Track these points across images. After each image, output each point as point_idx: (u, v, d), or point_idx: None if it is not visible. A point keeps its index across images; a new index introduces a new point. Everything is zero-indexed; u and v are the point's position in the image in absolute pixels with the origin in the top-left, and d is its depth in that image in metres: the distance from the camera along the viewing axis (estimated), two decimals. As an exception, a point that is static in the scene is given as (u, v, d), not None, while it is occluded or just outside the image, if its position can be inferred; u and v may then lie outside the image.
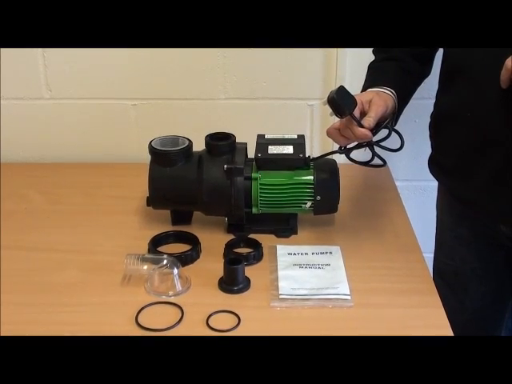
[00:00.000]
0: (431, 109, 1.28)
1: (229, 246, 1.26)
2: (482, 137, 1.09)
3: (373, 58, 1.29)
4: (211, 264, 1.22)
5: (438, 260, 1.39)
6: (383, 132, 1.17)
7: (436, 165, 1.27)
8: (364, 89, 1.22)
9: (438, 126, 1.23)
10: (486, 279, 1.31)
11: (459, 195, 1.22)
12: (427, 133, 1.29)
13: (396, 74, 1.22)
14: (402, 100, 1.21)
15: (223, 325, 1.06)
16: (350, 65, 1.59)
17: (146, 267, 1.18)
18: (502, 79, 0.97)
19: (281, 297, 1.13)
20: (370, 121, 1.10)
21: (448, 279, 1.33)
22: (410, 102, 1.61)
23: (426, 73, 1.28)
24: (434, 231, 1.40)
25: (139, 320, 1.08)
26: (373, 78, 1.23)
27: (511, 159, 1.05)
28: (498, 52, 0.98)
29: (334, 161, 1.34)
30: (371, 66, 1.27)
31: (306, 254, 1.26)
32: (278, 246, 1.28)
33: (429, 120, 1.28)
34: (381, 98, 1.15)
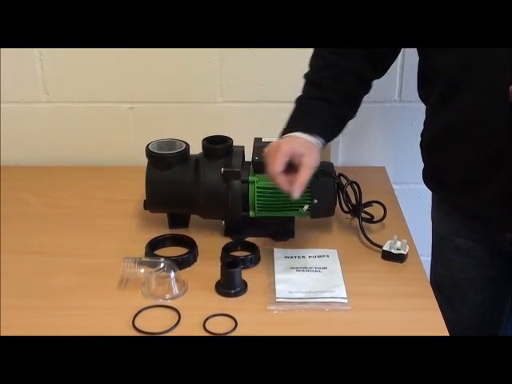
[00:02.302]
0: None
1: (226, 250, 1.26)
2: (488, 151, 1.08)
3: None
4: (208, 267, 1.22)
5: (434, 272, 1.38)
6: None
7: (434, 180, 1.26)
8: (291, 126, 1.19)
9: (436, 145, 1.22)
10: (485, 287, 1.30)
11: (464, 209, 1.21)
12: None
13: (328, 121, 1.20)
14: (325, 144, 1.20)
15: (220, 328, 1.06)
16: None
17: (142, 270, 1.18)
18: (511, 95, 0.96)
19: (278, 300, 1.13)
20: (298, 192, 1.10)
21: (445, 291, 1.32)
22: (407, 105, 1.63)
23: (351, 117, 1.26)
24: (431, 234, 1.40)
25: (136, 323, 1.08)
26: (305, 121, 1.19)
27: None
28: (497, 66, 0.99)
29: (331, 164, 1.34)
30: (303, 102, 1.23)
31: (303, 257, 1.26)
32: (275, 250, 1.28)
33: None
34: (312, 152, 1.13)
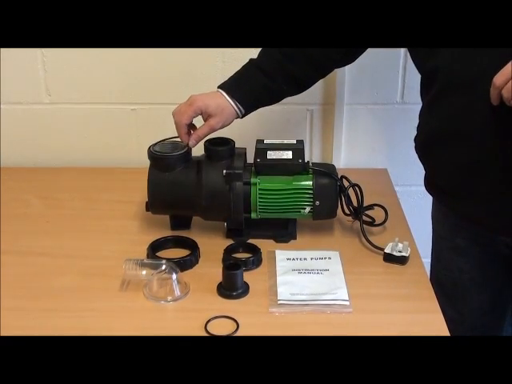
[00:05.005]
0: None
1: (228, 251, 1.26)
2: (478, 154, 1.09)
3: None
4: (210, 269, 1.22)
5: (436, 271, 1.38)
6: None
7: (431, 184, 1.27)
8: (225, 82, 1.32)
9: (428, 149, 1.22)
10: (485, 287, 1.30)
11: (458, 212, 1.22)
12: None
13: (258, 95, 1.31)
14: (248, 112, 1.32)
15: (222, 330, 1.06)
16: (350, 69, 1.59)
17: (144, 272, 1.18)
18: (492, 97, 0.98)
19: (279, 302, 1.13)
20: (193, 142, 1.30)
21: (447, 290, 1.32)
22: (408, 107, 1.63)
23: (292, 93, 1.36)
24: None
25: (138, 325, 1.07)
26: (236, 84, 1.31)
27: (508, 172, 1.05)
28: (487, 67, 0.99)
29: (333, 166, 1.34)
30: (248, 66, 1.32)
31: (305, 259, 1.26)
32: (277, 252, 1.28)
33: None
34: (221, 116, 1.28)
